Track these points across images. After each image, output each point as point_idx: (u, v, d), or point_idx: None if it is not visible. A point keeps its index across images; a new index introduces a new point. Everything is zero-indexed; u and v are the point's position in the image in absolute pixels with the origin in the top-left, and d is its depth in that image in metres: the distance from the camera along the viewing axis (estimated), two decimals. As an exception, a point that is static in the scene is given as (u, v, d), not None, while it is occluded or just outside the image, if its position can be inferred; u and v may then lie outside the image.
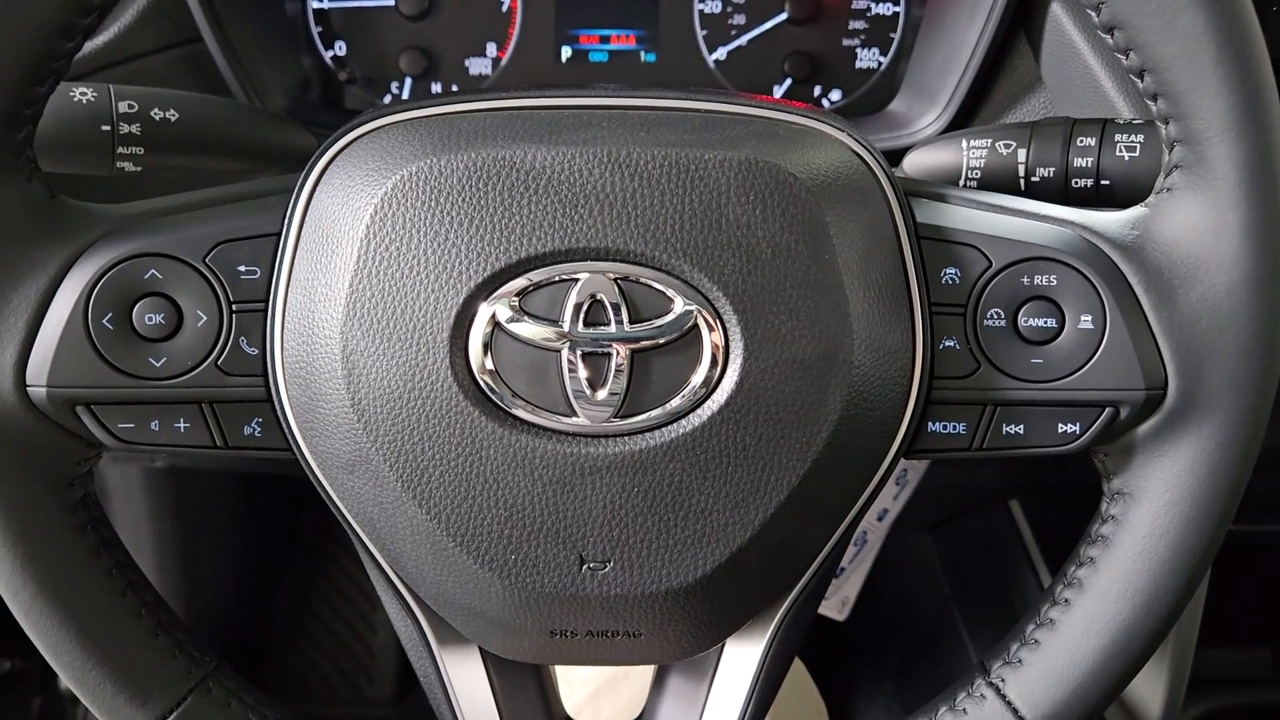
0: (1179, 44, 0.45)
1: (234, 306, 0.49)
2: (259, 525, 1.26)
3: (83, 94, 0.60)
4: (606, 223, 0.46)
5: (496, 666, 0.57)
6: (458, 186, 0.46)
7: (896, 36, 0.85)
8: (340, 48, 0.85)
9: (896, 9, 0.85)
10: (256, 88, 0.76)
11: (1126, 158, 0.60)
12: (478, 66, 0.86)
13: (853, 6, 0.85)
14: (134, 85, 0.62)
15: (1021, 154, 0.63)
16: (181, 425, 0.49)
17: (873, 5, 0.85)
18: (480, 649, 0.56)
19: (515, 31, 0.85)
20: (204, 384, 0.49)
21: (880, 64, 0.86)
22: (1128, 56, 0.47)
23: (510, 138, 0.47)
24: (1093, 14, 0.47)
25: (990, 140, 0.64)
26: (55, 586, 0.50)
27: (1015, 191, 0.64)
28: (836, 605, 1.13)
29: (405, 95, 0.86)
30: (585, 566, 0.48)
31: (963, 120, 0.78)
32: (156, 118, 0.61)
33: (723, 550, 0.48)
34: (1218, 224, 0.47)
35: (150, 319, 0.48)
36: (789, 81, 0.86)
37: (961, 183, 0.65)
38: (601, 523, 0.48)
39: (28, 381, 0.48)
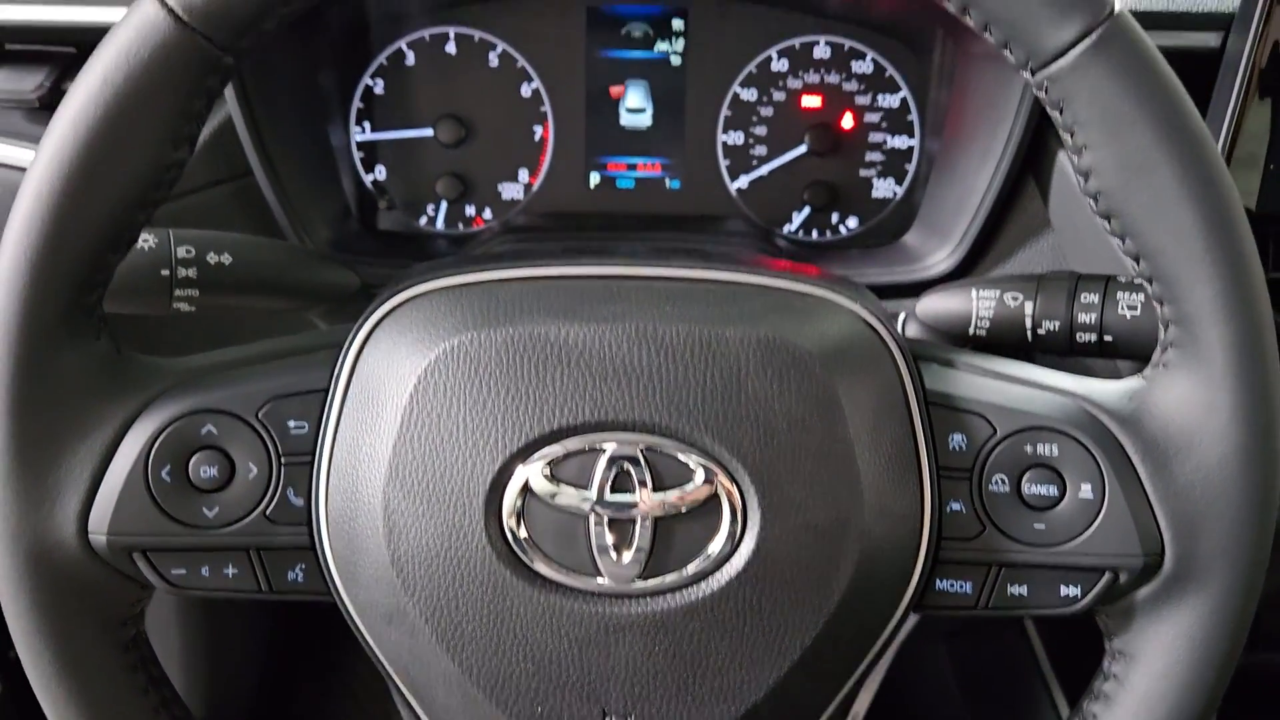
0: (1170, 235, 0.48)
1: (283, 459, 0.52)
2: (281, 629, 1.28)
3: (144, 241, 0.63)
4: (633, 396, 0.49)
5: None
6: (496, 359, 0.49)
7: (911, 168, 0.89)
8: (380, 172, 0.89)
9: (912, 142, 0.88)
10: (302, 219, 0.80)
11: (1129, 316, 0.63)
12: (510, 191, 0.90)
13: (870, 140, 0.89)
14: (188, 218, 0.66)
15: (1029, 306, 0.66)
16: (230, 571, 0.52)
17: (889, 138, 0.89)
18: None
19: (547, 159, 0.90)
20: (253, 533, 0.52)
21: (896, 194, 0.89)
22: (1124, 242, 0.50)
23: (544, 312, 0.50)
24: (1091, 202, 0.50)
25: (999, 291, 0.67)
26: None
27: (1023, 342, 0.67)
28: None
29: (440, 219, 0.90)
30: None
31: (974, 257, 0.80)
32: (211, 261, 0.65)
33: (738, 707, 0.50)
34: (1208, 401, 0.49)
35: (205, 471, 0.52)
36: (808, 209, 0.90)
37: (971, 330, 0.68)
38: (624, 679, 0.50)
39: (90, 529, 0.51)
